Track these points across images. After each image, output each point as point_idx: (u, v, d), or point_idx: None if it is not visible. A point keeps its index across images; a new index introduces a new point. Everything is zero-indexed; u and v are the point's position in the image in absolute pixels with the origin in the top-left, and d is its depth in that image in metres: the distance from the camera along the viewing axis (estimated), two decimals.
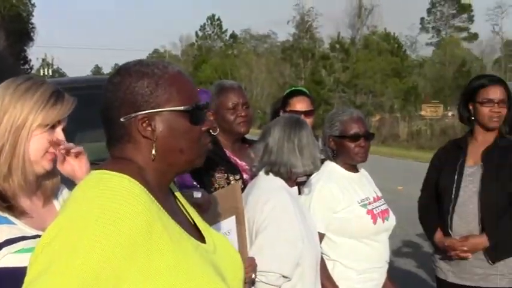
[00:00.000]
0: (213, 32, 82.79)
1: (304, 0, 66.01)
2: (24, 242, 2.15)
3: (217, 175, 3.51)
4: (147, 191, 1.60)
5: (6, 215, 2.18)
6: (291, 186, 3.27)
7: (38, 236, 2.08)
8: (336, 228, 3.52)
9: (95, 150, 3.05)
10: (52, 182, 2.35)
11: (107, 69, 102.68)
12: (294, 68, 62.85)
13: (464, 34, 69.48)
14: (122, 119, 1.65)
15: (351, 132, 3.63)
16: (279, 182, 3.20)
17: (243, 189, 3.29)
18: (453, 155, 4.05)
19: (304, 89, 4.68)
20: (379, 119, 46.26)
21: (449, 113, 46.60)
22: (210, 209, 2.92)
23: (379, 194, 3.79)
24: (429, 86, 60.50)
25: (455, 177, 3.93)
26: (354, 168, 3.74)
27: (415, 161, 24.78)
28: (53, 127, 2.26)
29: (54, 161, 2.30)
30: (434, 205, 4.09)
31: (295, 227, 3.07)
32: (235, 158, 3.66)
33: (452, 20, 70.21)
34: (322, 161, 3.55)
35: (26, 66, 53.44)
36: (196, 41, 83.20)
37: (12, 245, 2.13)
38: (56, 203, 2.37)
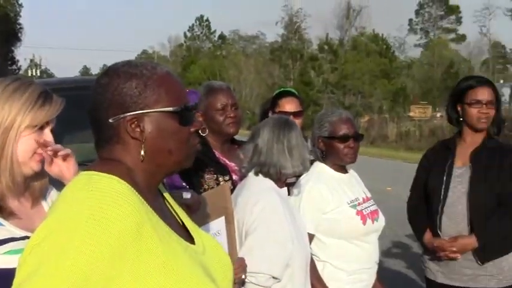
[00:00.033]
0: (201, 32, 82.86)
1: (292, 1, 66.26)
2: (13, 243, 2.14)
3: (206, 176, 3.51)
4: (136, 192, 1.60)
5: None
6: (281, 187, 3.27)
7: (27, 237, 2.07)
8: (325, 229, 3.52)
9: (83, 151, 3.04)
10: (40, 183, 2.34)
11: (95, 70, 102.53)
12: (283, 68, 63.01)
13: (452, 35, 69.90)
14: (110, 120, 1.65)
15: (340, 133, 3.63)
16: (269, 183, 3.20)
17: (232, 190, 3.29)
18: (442, 156, 4.06)
19: (293, 90, 4.68)
20: (368, 120, 46.39)
21: (438, 114, 46.83)
22: (200, 210, 2.92)
23: (369, 195, 3.79)
24: (417, 87, 60.80)
25: (444, 178, 3.94)
26: (343, 169, 3.74)
27: (404, 162, 24.87)
28: (41, 128, 2.25)
29: (42, 162, 2.29)
30: (423, 206, 4.09)
31: (285, 228, 3.07)
32: (224, 158, 3.66)
33: (440, 22, 70.61)
34: (312, 162, 3.55)
35: (14, 66, 53.23)
36: (185, 42, 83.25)
37: (0, 247, 2.12)
38: (45, 204, 2.36)
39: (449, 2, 69.73)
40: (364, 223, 3.57)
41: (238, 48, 78.16)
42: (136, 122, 1.65)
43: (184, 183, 3.31)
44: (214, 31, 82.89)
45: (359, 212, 3.58)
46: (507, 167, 3.86)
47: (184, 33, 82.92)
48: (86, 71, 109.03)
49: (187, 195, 2.82)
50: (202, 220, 2.78)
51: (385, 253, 8.61)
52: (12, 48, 51.93)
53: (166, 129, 1.67)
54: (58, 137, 2.33)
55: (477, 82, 3.99)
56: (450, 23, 70.40)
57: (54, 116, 2.27)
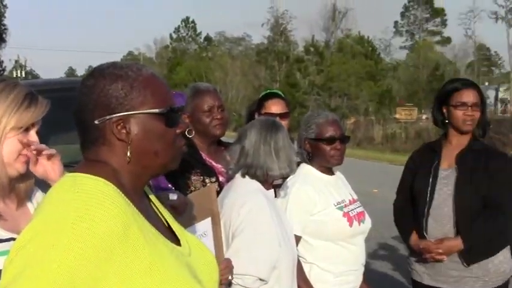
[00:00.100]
0: (187, 34, 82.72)
1: (278, 3, 66.27)
2: None
3: (193, 177, 3.50)
4: (122, 194, 1.60)
5: None
6: (268, 189, 3.26)
7: (13, 239, 2.06)
8: (312, 231, 3.52)
9: (68, 152, 3.02)
10: (26, 185, 2.33)
11: (80, 71, 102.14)
12: (269, 70, 62.99)
13: (438, 38, 70.13)
14: (96, 122, 1.64)
15: (326, 135, 3.63)
16: (255, 184, 3.19)
17: (218, 192, 3.28)
18: (427, 158, 4.08)
19: (279, 92, 4.68)
20: (354, 122, 46.48)
21: (424, 116, 46.99)
22: (186, 211, 2.91)
23: (355, 197, 3.80)
24: (403, 89, 60.99)
25: (430, 180, 3.95)
26: (329, 171, 3.75)
27: (390, 164, 24.94)
28: (27, 130, 2.24)
29: (27, 163, 2.27)
30: (410, 208, 4.10)
31: (272, 230, 3.07)
32: (211, 160, 3.65)
33: (425, 24, 70.80)
34: (298, 164, 3.55)
35: None
36: (171, 44, 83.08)
37: None
38: (30, 206, 2.35)
39: (435, 4, 70.02)
40: (351, 225, 3.57)
41: (224, 50, 78.05)
42: (122, 124, 1.64)
43: (170, 185, 3.30)
44: (200, 33, 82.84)
45: (345, 214, 3.59)
46: (492, 169, 3.87)
47: (170, 35, 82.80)
48: (71, 72, 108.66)
49: (173, 196, 2.81)
50: (188, 221, 2.77)
51: (371, 255, 8.62)
52: None
53: (152, 130, 1.67)
54: (43, 139, 2.31)
55: (462, 84, 4.00)
56: (435, 26, 70.65)
57: (39, 118, 2.26)
